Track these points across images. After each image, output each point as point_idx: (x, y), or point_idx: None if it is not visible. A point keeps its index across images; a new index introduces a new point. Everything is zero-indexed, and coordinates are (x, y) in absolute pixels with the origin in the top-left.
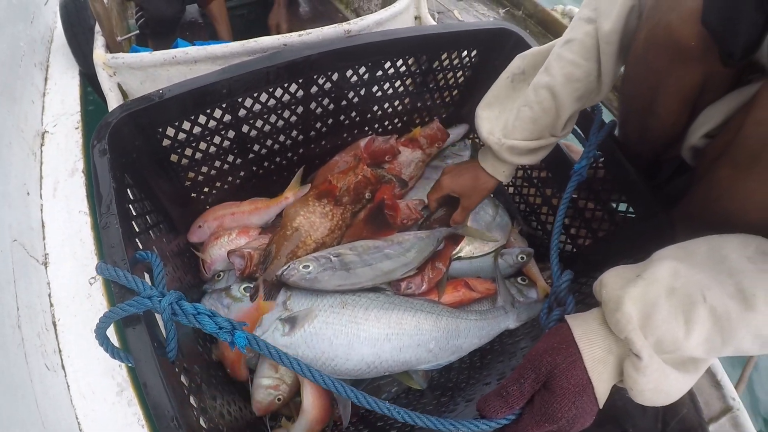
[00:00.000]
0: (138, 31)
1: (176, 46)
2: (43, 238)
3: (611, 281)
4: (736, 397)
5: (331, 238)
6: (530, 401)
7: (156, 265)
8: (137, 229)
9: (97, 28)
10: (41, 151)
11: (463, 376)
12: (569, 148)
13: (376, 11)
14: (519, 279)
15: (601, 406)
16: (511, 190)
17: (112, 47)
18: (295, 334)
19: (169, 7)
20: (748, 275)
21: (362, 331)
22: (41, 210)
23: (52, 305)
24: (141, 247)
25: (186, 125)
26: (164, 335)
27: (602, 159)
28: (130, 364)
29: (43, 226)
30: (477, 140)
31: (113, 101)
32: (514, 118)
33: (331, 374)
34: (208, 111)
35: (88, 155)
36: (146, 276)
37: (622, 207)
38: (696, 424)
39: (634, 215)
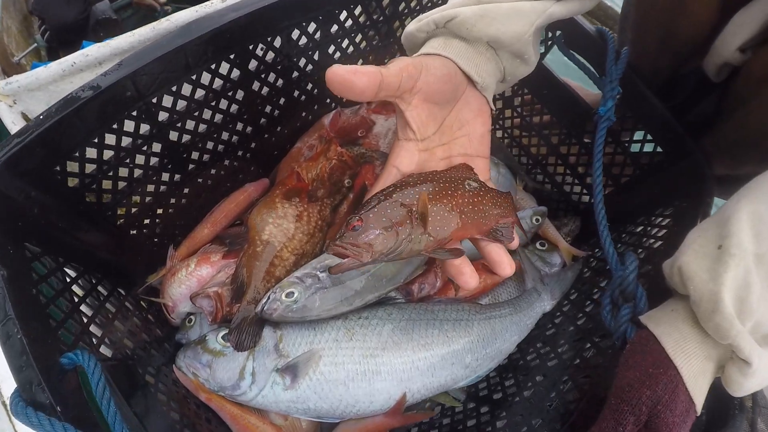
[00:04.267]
0: (35, 45)
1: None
2: None
3: (695, 268)
4: None
5: (311, 245)
6: None
7: (92, 372)
8: (62, 313)
9: None
10: None
11: (509, 383)
12: (567, 83)
13: None
14: (538, 245)
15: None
16: (507, 141)
17: (9, 71)
18: (300, 386)
19: (69, 8)
20: None
21: (382, 365)
22: None
23: None
24: (73, 334)
25: (92, 152)
26: None
27: (618, 96)
28: None
29: None
30: None
31: None
32: None
33: (356, 417)
34: (115, 126)
35: None
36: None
37: (647, 147)
38: None
39: (662, 155)
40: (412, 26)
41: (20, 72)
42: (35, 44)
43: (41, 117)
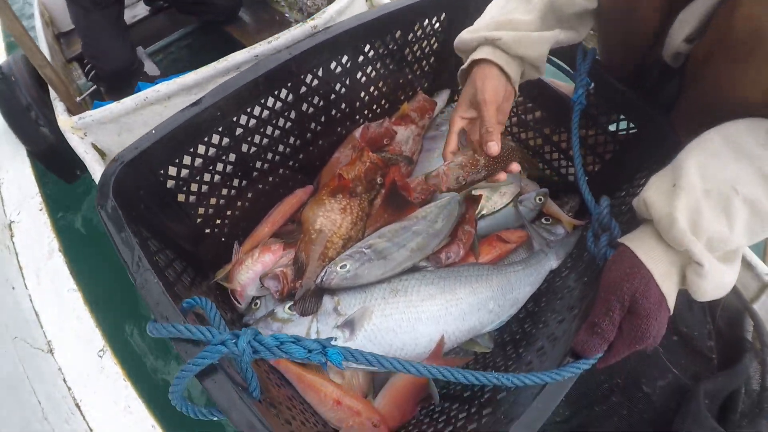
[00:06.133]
0: (95, 86)
1: (138, 90)
2: (41, 327)
3: (655, 198)
4: None
5: (355, 231)
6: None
7: (209, 309)
8: (171, 280)
9: (53, 94)
10: (13, 243)
11: (527, 325)
12: (554, 83)
13: (322, 5)
14: (543, 220)
15: (671, 313)
16: (508, 137)
17: (74, 110)
18: (357, 337)
19: (122, 53)
20: (766, 160)
21: (422, 312)
22: (31, 300)
23: (69, 389)
24: (181, 296)
25: (186, 159)
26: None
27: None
28: (217, 418)
29: (37, 315)
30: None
31: (93, 163)
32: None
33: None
34: (206, 139)
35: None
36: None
37: (622, 124)
38: (740, 306)
39: (636, 131)
40: (467, 35)
41: (82, 111)
42: (94, 85)
43: (153, 131)
